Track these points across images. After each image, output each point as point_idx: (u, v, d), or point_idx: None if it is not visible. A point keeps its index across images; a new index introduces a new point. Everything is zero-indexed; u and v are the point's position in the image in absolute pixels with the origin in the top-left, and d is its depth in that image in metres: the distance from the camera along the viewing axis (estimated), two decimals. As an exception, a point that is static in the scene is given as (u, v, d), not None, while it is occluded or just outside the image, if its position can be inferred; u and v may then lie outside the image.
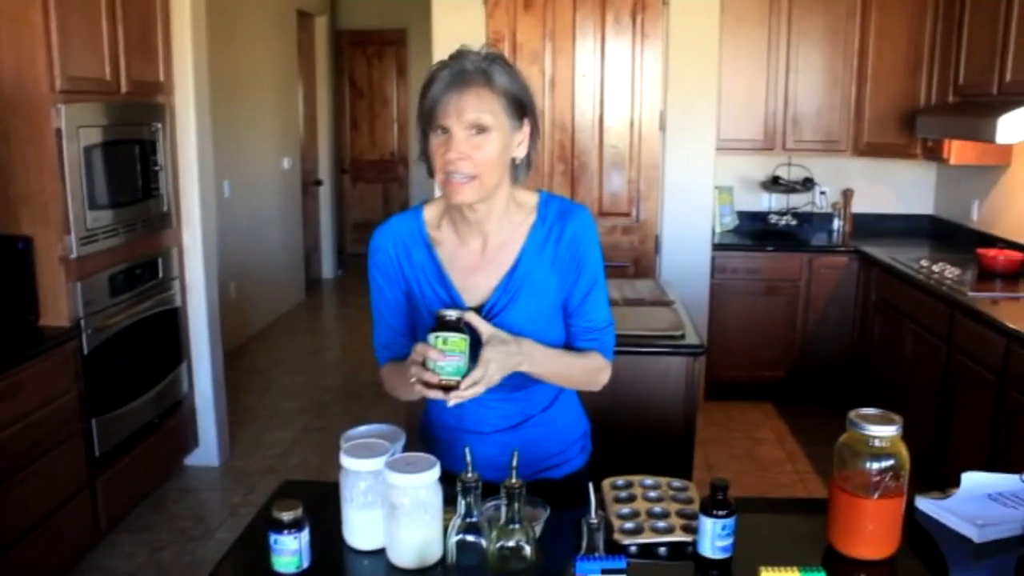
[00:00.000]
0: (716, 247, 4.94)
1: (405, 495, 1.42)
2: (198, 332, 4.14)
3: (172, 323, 3.94)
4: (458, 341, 1.48)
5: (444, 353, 1.47)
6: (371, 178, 9.41)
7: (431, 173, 1.58)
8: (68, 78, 3.10)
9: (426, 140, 1.58)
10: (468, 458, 1.42)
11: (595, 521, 1.36)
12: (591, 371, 1.73)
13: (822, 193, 5.41)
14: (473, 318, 1.54)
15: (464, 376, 1.48)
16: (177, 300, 3.98)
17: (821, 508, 1.57)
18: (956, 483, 1.68)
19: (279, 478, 3.51)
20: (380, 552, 1.50)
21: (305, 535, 1.43)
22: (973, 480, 1.68)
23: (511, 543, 1.38)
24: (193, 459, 4.24)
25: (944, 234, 5.21)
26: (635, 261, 4.82)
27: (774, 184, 5.39)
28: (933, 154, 4.71)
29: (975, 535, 1.57)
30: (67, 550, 3.20)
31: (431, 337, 1.48)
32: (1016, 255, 4.06)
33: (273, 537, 1.42)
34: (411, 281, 1.69)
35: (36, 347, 2.99)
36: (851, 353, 4.93)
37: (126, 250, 3.55)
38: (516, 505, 1.37)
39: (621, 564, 1.30)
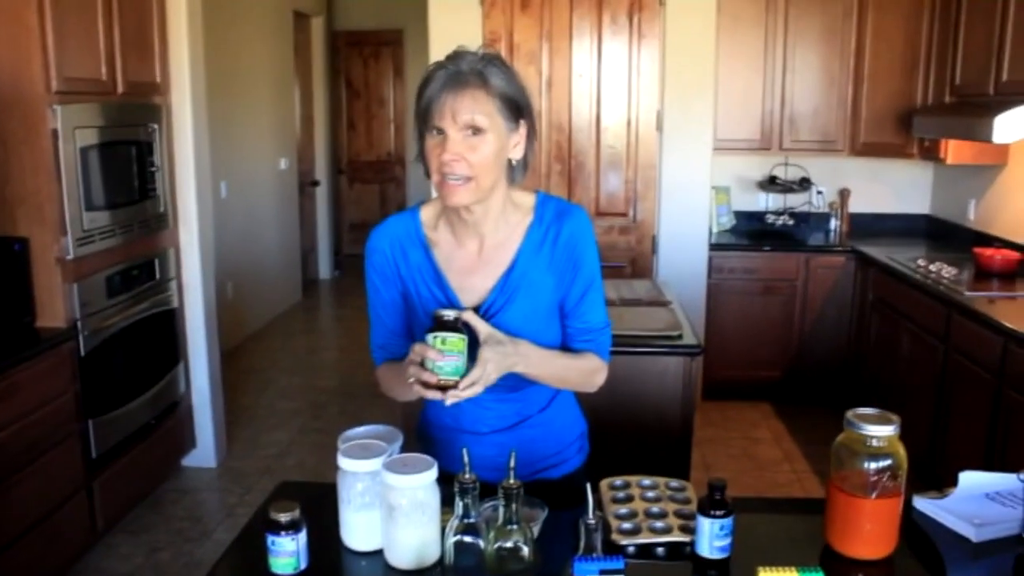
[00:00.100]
0: (713, 247, 4.95)
1: (403, 496, 1.42)
2: (195, 333, 4.14)
3: (169, 324, 3.94)
4: (456, 341, 1.47)
5: (443, 353, 1.47)
6: (368, 179, 9.41)
7: (428, 174, 1.58)
8: (64, 79, 3.09)
9: (423, 141, 1.57)
10: (466, 459, 1.42)
11: (593, 521, 1.36)
12: (587, 372, 1.72)
13: (819, 193, 5.41)
14: (471, 318, 1.54)
15: (462, 376, 1.48)
16: (174, 301, 3.98)
17: (819, 508, 1.57)
18: (954, 482, 1.68)
19: (276, 479, 3.50)
20: (378, 553, 1.50)
21: (302, 536, 1.43)
22: (971, 479, 1.68)
23: (509, 544, 1.38)
24: (190, 460, 4.23)
25: (941, 234, 5.21)
26: (632, 261, 4.83)
27: (771, 184, 5.40)
28: (930, 154, 4.71)
29: (973, 534, 1.57)
30: (64, 551, 3.19)
31: (429, 337, 1.48)
32: (1013, 254, 4.06)
33: (270, 538, 1.42)
34: (407, 282, 1.69)
35: (32, 348, 2.99)
36: (848, 353, 4.93)
37: (123, 251, 3.55)
38: (514, 506, 1.37)
39: (619, 564, 1.30)
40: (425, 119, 1.54)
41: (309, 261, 8.43)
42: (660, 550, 1.54)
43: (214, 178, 4.70)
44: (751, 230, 5.38)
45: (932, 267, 4.17)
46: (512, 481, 1.37)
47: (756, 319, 5.01)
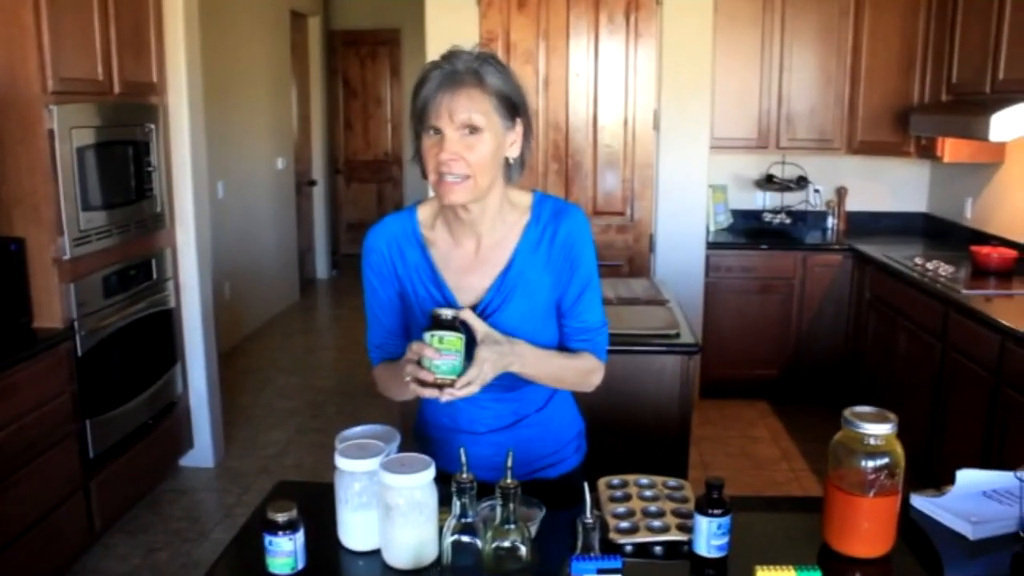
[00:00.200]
0: (710, 246, 4.95)
1: (400, 496, 1.42)
2: (192, 333, 4.13)
3: (166, 324, 3.93)
4: (454, 340, 1.47)
5: (440, 352, 1.47)
6: (365, 178, 9.40)
7: (425, 174, 1.58)
8: (60, 79, 3.09)
9: (419, 141, 1.57)
10: (463, 458, 1.42)
11: (590, 521, 1.36)
12: (583, 372, 1.72)
13: (816, 191, 5.42)
14: (469, 316, 1.54)
15: (459, 375, 1.48)
16: (171, 301, 3.97)
17: (816, 506, 1.57)
18: (951, 480, 1.68)
19: (274, 479, 3.49)
20: (375, 553, 1.50)
21: (300, 536, 1.43)
22: (968, 477, 1.68)
23: (506, 543, 1.38)
24: (188, 460, 4.23)
25: (938, 232, 5.22)
26: (629, 260, 4.83)
27: (768, 182, 5.40)
28: (927, 152, 4.72)
29: (970, 532, 1.58)
30: (62, 552, 3.19)
31: (427, 336, 1.48)
32: (1009, 252, 4.07)
33: (268, 538, 1.41)
34: (405, 281, 1.69)
35: (29, 349, 2.98)
36: (845, 351, 4.94)
37: (120, 251, 3.54)
38: (511, 505, 1.37)
39: (617, 564, 1.30)
40: (422, 119, 1.54)
41: (306, 261, 8.42)
42: (658, 549, 1.54)
43: (211, 178, 4.69)
44: (748, 229, 5.38)
45: (929, 265, 4.17)
46: (509, 481, 1.37)
47: (753, 318, 5.01)
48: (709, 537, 1.46)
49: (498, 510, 1.39)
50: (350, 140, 9.32)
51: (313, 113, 8.46)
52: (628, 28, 4.60)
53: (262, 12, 6.94)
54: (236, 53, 6.33)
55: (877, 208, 5.49)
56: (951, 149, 4.46)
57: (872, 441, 1.45)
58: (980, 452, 3.34)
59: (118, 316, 3.51)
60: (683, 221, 4.84)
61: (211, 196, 4.73)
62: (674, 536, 1.54)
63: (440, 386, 1.48)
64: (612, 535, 1.55)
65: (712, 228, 5.22)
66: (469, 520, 1.41)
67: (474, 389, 1.49)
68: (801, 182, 5.32)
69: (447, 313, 1.50)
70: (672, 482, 1.74)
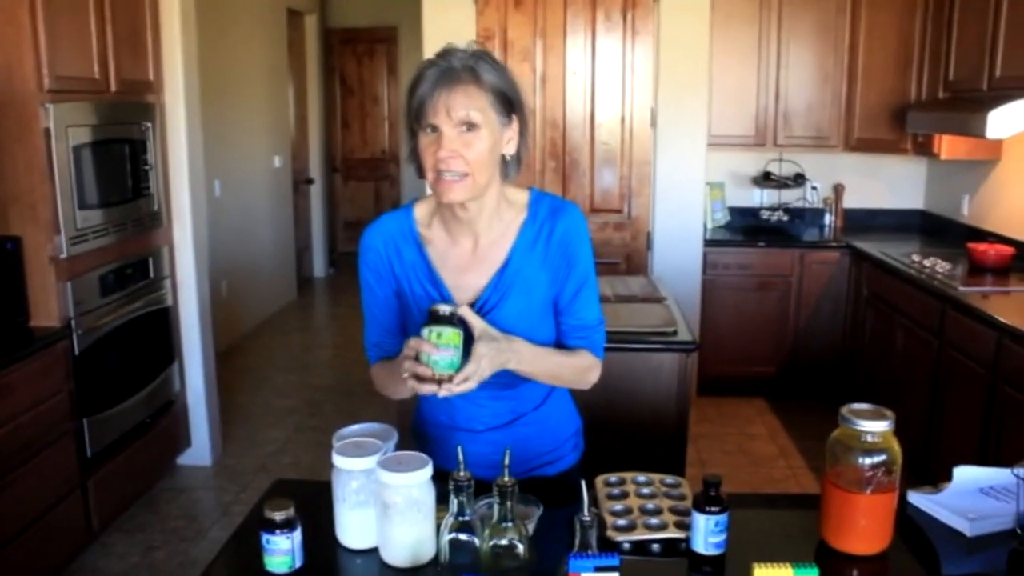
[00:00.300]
0: (708, 243, 4.95)
1: (397, 494, 1.42)
2: (189, 331, 4.13)
3: (163, 322, 3.93)
4: (452, 335, 1.47)
5: (438, 347, 1.46)
6: (362, 176, 9.39)
7: (420, 174, 1.57)
8: (56, 77, 3.08)
9: (414, 140, 1.57)
10: (460, 456, 1.42)
11: (588, 519, 1.36)
12: (580, 370, 1.72)
13: (813, 188, 5.42)
14: (467, 312, 1.54)
15: (457, 370, 1.48)
16: (168, 299, 3.97)
17: (814, 503, 1.57)
18: (948, 477, 1.68)
19: (272, 477, 3.49)
20: (373, 551, 1.50)
21: (297, 535, 1.43)
22: (965, 474, 1.68)
23: (504, 541, 1.38)
24: (185, 458, 4.23)
25: (935, 229, 5.22)
26: (627, 258, 4.83)
27: (765, 180, 5.40)
28: (924, 149, 4.72)
29: (967, 529, 1.58)
30: (59, 551, 3.19)
31: (425, 331, 1.48)
32: (1006, 249, 4.07)
33: (265, 537, 1.41)
34: (402, 280, 1.68)
35: (26, 348, 2.98)
36: (843, 348, 4.94)
37: (116, 250, 3.54)
38: (509, 503, 1.37)
39: (614, 561, 1.30)
40: (419, 117, 1.53)
41: (304, 259, 8.41)
42: (655, 547, 1.54)
43: (208, 176, 4.69)
44: (745, 226, 5.38)
45: (926, 262, 4.18)
46: (507, 479, 1.37)
47: (751, 315, 5.01)
48: (707, 534, 1.46)
49: (495, 508, 1.39)
50: (347, 138, 9.31)
51: (310, 111, 8.45)
52: (625, 26, 4.60)
53: (259, 10, 6.93)
54: (233, 51, 6.32)
55: (874, 205, 5.49)
56: (948, 146, 4.46)
57: (869, 438, 1.45)
58: (977, 449, 3.35)
59: (115, 315, 3.51)
60: (680, 218, 4.85)
61: (208, 194, 4.72)
62: (672, 534, 1.55)
63: (438, 381, 1.47)
64: (610, 533, 1.55)
65: (709, 225, 5.23)
66: (467, 518, 1.41)
67: (472, 385, 1.49)
68: (798, 179, 5.32)
69: (445, 309, 1.50)
70: (670, 480, 1.74)
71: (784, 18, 4.97)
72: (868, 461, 1.45)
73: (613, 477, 1.74)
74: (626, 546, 1.53)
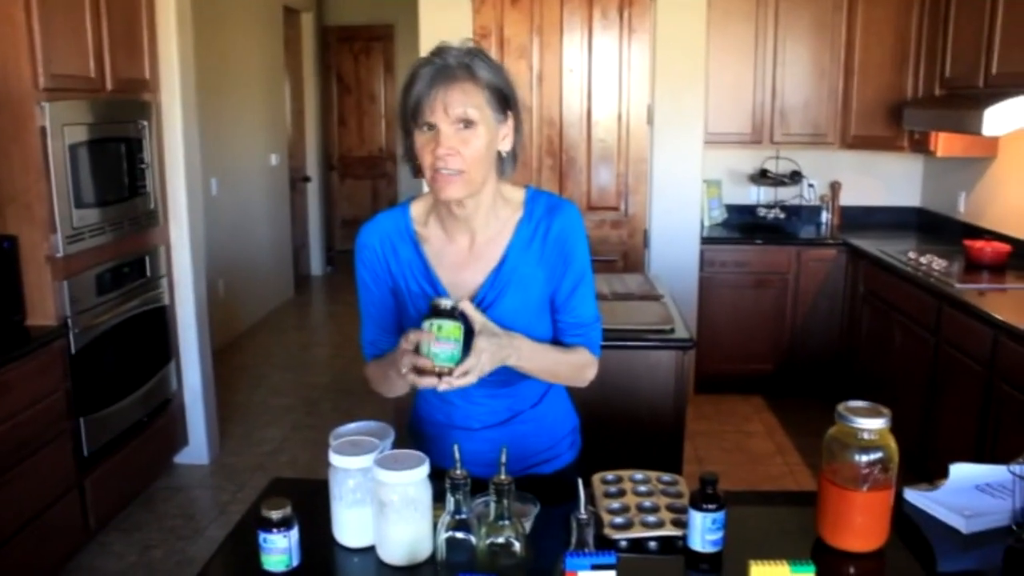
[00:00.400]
0: (705, 241, 4.95)
1: (394, 492, 1.42)
2: (186, 330, 4.13)
3: (160, 321, 3.93)
4: (452, 328, 1.47)
5: (438, 339, 1.46)
6: (359, 174, 9.38)
7: (415, 173, 1.57)
8: (52, 76, 3.08)
9: (409, 139, 1.57)
10: (457, 455, 1.42)
11: (585, 516, 1.36)
12: (577, 367, 1.72)
13: (810, 186, 5.42)
14: (468, 307, 1.53)
15: (456, 364, 1.48)
16: (165, 298, 3.96)
17: (810, 501, 1.58)
18: (944, 474, 1.68)
19: (269, 476, 3.50)
20: (370, 549, 1.50)
21: (294, 533, 1.43)
22: (961, 471, 1.68)
23: (501, 539, 1.38)
24: (183, 457, 4.22)
25: (931, 226, 5.23)
26: (624, 255, 4.83)
27: (762, 177, 5.40)
28: (920, 146, 4.72)
29: (963, 526, 1.58)
30: (56, 550, 3.18)
31: (425, 323, 1.47)
32: (1003, 246, 4.08)
33: (262, 536, 1.41)
34: (398, 278, 1.68)
35: (23, 347, 2.97)
36: (840, 346, 4.95)
37: (113, 248, 3.53)
38: (505, 501, 1.37)
39: (611, 559, 1.30)
40: (415, 116, 1.53)
41: (301, 257, 8.41)
42: (652, 544, 1.54)
43: (204, 175, 4.69)
44: (742, 223, 5.39)
45: (923, 259, 4.18)
46: (503, 477, 1.37)
47: (748, 312, 5.02)
48: (703, 532, 1.46)
49: (492, 506, 1.39)
50: (344, 136, 9.30)
51: (307, 109, 8.44)
52: (622, 23, 4.60)
53: (255, 8, 6.92)
54: (229, 49, 6.31)
55: (871, 203, 5.50)
56: (944, 143, 4.47)
57: (866, 436, 1.45)
58: (973, 446, 3.35)
59: (112, 313, 3.51)
60: (677, 216, 4.85)
61: (205, 193, 4.72)
62: (668, 531, 1.55)
63: (438, 375, 1.47)
64: (606, 530, 1.55)
65: (706, 223, 5.23)
66: (463, 516, 1.41)
67: (472, 379, 1.49)
68: (795, 177, 5.32)
69: (446, 303, 1.50)
70: (666, 477, 1.74)
71: (781, 15, 4.98)
72: (865, 458, 1.45)
73: (610, 475, 1.74)
74: (623, 544, 1.53)
